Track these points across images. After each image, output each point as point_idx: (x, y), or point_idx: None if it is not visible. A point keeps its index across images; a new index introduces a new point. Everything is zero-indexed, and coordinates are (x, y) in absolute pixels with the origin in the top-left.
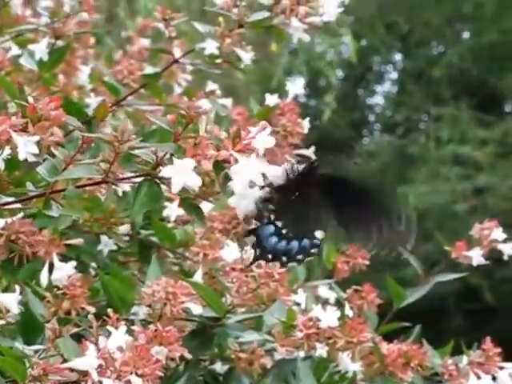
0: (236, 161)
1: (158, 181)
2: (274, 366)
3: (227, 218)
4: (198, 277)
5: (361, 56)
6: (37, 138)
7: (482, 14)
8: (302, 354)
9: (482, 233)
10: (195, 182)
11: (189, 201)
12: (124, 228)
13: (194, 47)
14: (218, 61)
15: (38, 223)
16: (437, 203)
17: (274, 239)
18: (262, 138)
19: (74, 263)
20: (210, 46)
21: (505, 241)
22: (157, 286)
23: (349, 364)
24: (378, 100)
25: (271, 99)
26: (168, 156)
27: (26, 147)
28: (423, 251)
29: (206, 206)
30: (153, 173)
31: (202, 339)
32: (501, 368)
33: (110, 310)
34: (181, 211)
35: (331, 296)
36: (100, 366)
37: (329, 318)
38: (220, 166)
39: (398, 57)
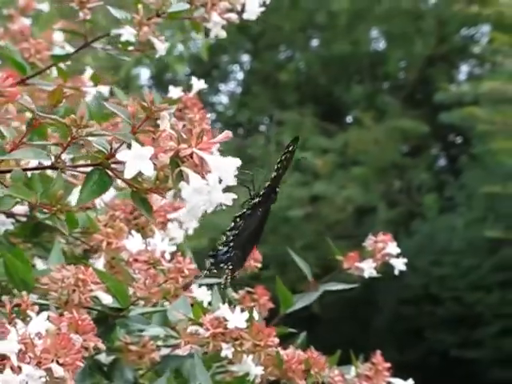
0: (199, 158)
1: (109, 171)
2: (160, 362)
3: (130, 207)
4: (100, 265)
5: (208, 53)
6: None
7: (334, 24)
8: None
9: (376, 245)
10: (150, 171)
11: (139, 194)
12: (21, 208)
13: (108, 32)
14: (130, 48)
15: None
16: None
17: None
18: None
19: None
20: (127, 33)
21: (398, 256)
22: (66, 272)
23: (252, 367)
24: (221, 99)
25: (175, 92)
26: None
27: None
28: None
29: (108, 194)
30: (105, 162)
31: (102, 329)
32: (389, 383)
33: (24, 293)
34: None
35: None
36: (20, 350)
37: (237, 318)
38: (176, 162)
39: (246, 58)
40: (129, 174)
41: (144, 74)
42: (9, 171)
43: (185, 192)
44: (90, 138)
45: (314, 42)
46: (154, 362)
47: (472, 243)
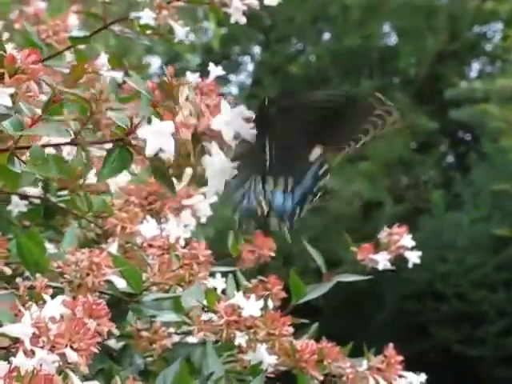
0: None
1: (130, 147)
2: (171, 350)
3: (145, 192)
4: (114, 249)
5: (220, 44)
6: (11, 90)
7: (346, 18)
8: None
9: (391, 237)
10: (171, 147)
11: (161, 171)
12: (35, 191)
13: (126, 15)
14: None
15: None
16: None
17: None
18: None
19: None
20: (146, 16)
21: (412, 248)
22: (81, 255)
23: (265, 356)
24: (231, 89)
25: (192, 77)
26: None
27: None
28: None
29: (121, 178)
30: (125, 138)
31: (114, 314)
32: (400, 377)
33: (38, 276)
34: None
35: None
36: (33, 334)
37: (251, 306)
38: (198, 137)
39: (257, 49)
40: (150, 150)
41: (155, 63)
42: (27, 147)
43: (209, 170)
44: (109, 114)
45: (326, 36)
46: (165, 348)
47: (477, 241)
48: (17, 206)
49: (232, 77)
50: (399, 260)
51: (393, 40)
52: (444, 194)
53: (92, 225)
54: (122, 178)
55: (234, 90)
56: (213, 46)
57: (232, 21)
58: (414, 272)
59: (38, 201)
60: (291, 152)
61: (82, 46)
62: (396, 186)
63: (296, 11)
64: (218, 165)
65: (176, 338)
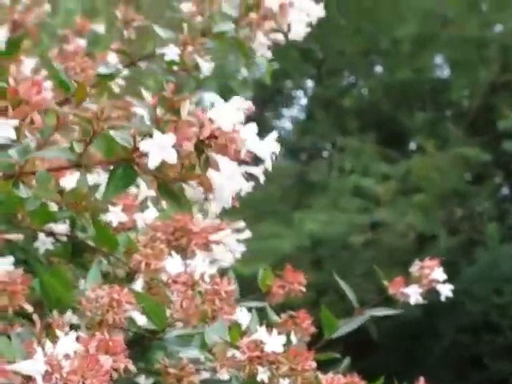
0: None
1: (135, 166)
2: None
3: (171, 228)
4: (138, 286)
5: (272, 78)
6: (15, 122)
7: (398, 51)
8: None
9: (423, 271)
10: (173, 159)
11: (165, 186)
12: (62, 228)
13: (153, 52)
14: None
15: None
16: (332, 233)
17: None
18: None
19: (12, 259)
20: (172, 52)
21: (444, 282)
22: (101, 291)
23: None
24: (284, 124)
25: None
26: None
27: (3, 131)
28: (313, 279)
29: (150, 215)
30: (129, 157)
31: (137, 351)
32: None
33: (55, 313)
34: (123, 217)
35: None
36: (46, 371)
37: (274, 342)
38: (201, 148)
39: (309, 83)
40: (152, 163)
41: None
42: (34, 173)
43: (216, 180)
44: (111, 132)
45: (378, 69)
46: None
47: None
48: (44, 243)
49: (285, 111)
50: (457, 293)
51: (445, 72)
52: (499, 226)
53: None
54: (150, 215)
55: (288, 124)
56: (265, 80)
57: (258, 55)
58: (469, 304)
59: (65, 238)
60: None
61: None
62: (450, 218)
63: (347, 44)
64: (224, 174)
65: (206, 375)
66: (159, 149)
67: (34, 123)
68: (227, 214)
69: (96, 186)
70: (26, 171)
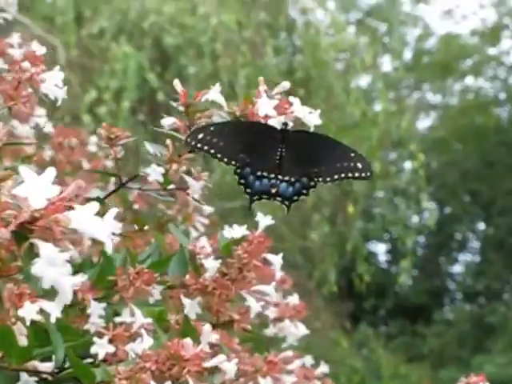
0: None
1: None
2: None
3: (163, 357)
4: None
5: (444, 223)
6: None
7: None
8: None
9: None
10: None
11: None
12: (46, 365)
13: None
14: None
15: None
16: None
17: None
18: None
19: None
20: (155, 172)
21: None
22: None
23: None
24: (458, 268)
25: (238, 231)
26: None
27: None
28: None
29: (143, 344)
30: None
31: None
32: None
33: None
34: (111, 348)
35: None
36: None
37: None
38: (24, 234)
39: (481, 226)
40: None
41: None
42: None
43: (35, 267)
44: None
45: None
46: None
47: None
48: (26, 383)
49: (459, 255)
50: None
51: None
52: None
53: None
54: (140, 345)
55: (461, 268)
56: (430, 225)
57: None
58: None
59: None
60: (295, 161)
61: None
62: None
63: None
64: (45, 260)
65: None
66: None
67: None
68: None
69: None
70: None
